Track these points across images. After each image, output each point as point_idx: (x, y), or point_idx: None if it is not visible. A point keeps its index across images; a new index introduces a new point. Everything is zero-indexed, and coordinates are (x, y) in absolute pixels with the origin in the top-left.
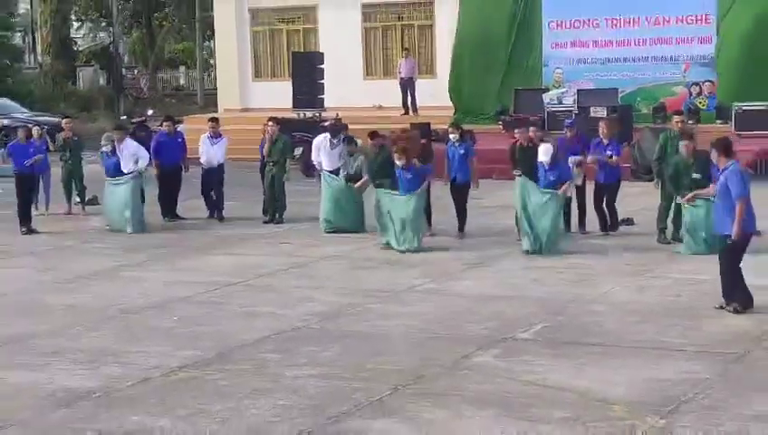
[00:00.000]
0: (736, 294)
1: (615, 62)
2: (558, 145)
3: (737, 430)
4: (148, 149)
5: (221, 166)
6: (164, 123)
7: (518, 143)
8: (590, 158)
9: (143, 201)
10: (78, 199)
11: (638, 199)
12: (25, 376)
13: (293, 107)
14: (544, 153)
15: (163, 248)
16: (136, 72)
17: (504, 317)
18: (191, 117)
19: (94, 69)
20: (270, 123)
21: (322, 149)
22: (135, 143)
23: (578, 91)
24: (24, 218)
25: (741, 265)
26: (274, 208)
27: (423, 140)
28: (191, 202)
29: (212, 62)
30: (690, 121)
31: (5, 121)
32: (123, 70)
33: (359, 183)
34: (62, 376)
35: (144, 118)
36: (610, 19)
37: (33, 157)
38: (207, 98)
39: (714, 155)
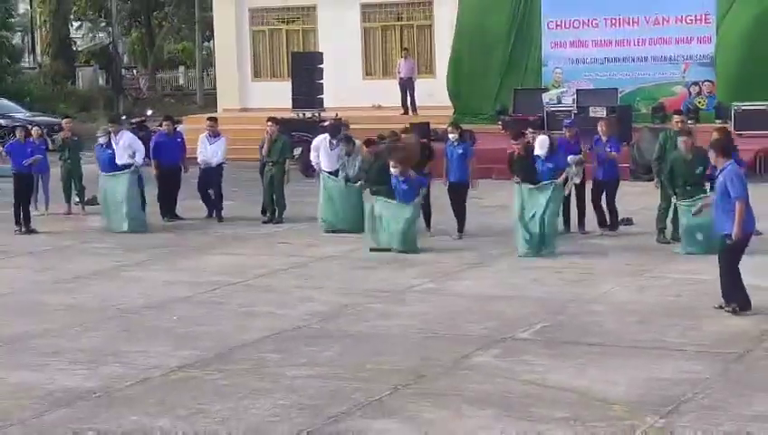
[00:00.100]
0: (736, 295)
1: (614, 61)
2: (558, 144)
3: (737, 429)
4: (147, 150)
5: (220, 166)
6: (163, 123)
7: (517, 153)
8: (583, 151)
9: (144, 202)
10: (77, 199)
11: (638, 199)
12: (25, 376)
13: (293, 107)
14: (540, 146)
15: (163, 248)
16: (135, 72)
17: (504, 317)
18: (190, 117)
19: (93, 69)
20: (269, 123)
21: (322, 150)
22: (131, 135)
23: (577, 90)
24: (24, 218)
25: (740, 265)
26: (273, 208)
27: (423, 139)
28: (190, 202)
29: (211, 61)
30: (690, 121)
31: (2, 122)
32: (122, 70)
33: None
34: (61, 376)
35: (143, 118)
36: (610, 19)
37: (32, 157)
38: (207, 98)
39: (711, 155)
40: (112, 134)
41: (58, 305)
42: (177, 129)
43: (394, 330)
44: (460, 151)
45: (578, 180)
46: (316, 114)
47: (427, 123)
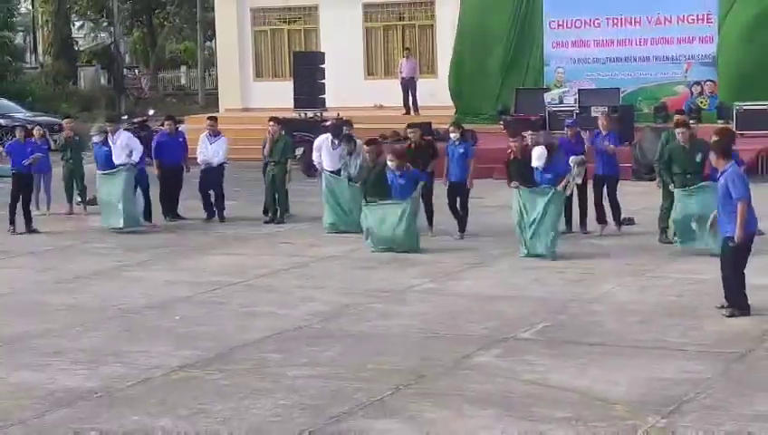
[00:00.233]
0: (738, 299)
1: (616, 61)
2: (560, 144)
3: (739, 429)
4: (149, 149)
5: (221, 165)
6: (165, 123)
7: (513, 156)
8: (586, 145)
9: (149, 202)
10: (79, 199)
11: (640, 199)
12: (26, 376)
13: (294, 107)
14: (537, 158)
15: (164, 248)
16: (137, 71)
17: (505, 317)
18: (192, 117)
19: (95, 69)
20: (271, 123)
21: (324, 150)
22: (128, 134)
23: (579, 90)
24: (25, 218)
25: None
26: (275, 208)
27: (428, 137)
28: (192, 202)
29: (213, 61)
30: (692, 121)
31: (2, 121)
32: (124, 70)
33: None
34: (62, 376)
35: (145, 118)
36: (612, 18)
37: (31, 156)
38: (208, 98)
39: (712, 157)
40: (110, 134)
41: (59, 305)
42: (179, 128)
43: (395, 330)
44: (461, 151)
45: (579, 181)
46: (318, 114)
47: (429, 123)
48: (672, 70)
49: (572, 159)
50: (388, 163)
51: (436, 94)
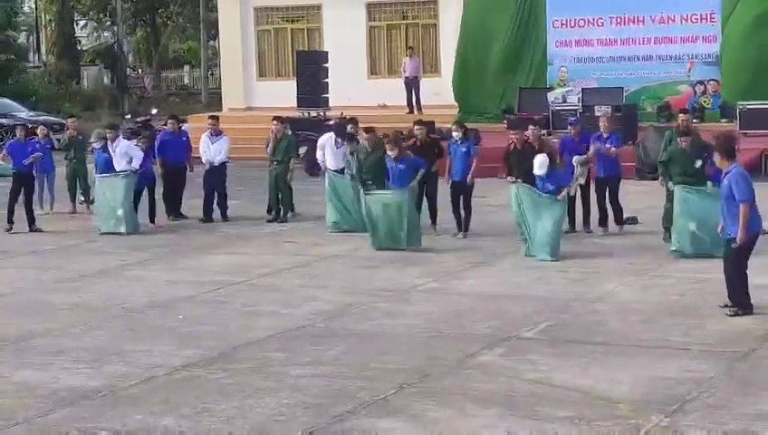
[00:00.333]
0: (741, 299)
1: (619, 60)
2: (563, 143)
3: (742, 428)
4: (153, 148)
5: (223, 165)
6: (168, 122)
7: (513, 146)
8: (591, 149)
9: (154, 203)
10: (82, 199)
11: (643, 198)
12: (29, 375)
13: (298, 106)
14: (539, 167)
15: (167, 247)
16: (140, 71)
17: (508, 316)
18: (195, 116)
19: (98, 68)
20: (274, 122)
21: (327, 149)
22: (126, 142)
23: (582, 89)
24: (28, 218)
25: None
26: (279, 208)
27: (434, 136)
28: (195, 201)
29: (216, 61)
30: (695, 120)
31: (4, 121)
32: (127, 69)
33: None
34: (65, 375)
35: (148, 117)
36: (615, 18)
37: (31, 156)
38: (212, 97)
39: (716, 158)
40: (109, 141)
41: (62, 304)
42: (183, 128)
43: (398, 329)
44: (464, 150)
45: (583, 180)
46: (321, 113)
47: (432, 122)
48: (675, 69)
49: (576, 159)
50: (389, 153)
51: (439, 93)
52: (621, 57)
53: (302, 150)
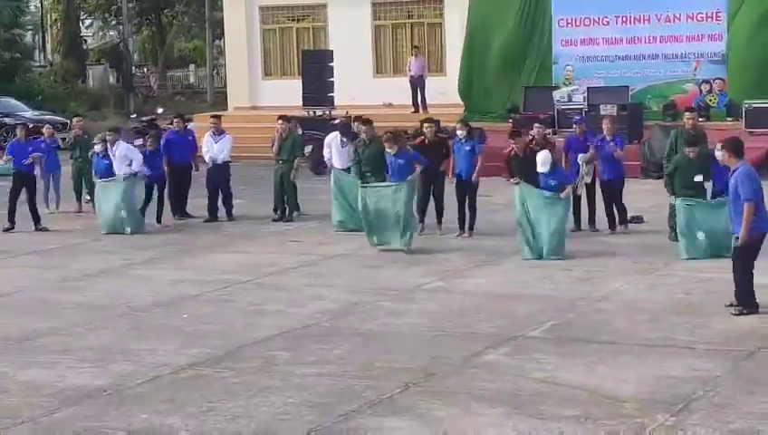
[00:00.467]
0: (747, 299)
1: (625, 59)
2: (568, 142)
3: (747, 427)
4: (158, 148)
5: (227, 164)
6: (174, 121)
7: (513, 152)
8: (591, 149)
9: (162, 204)
10: (88, 198)
11: (648, 197)
12: (35, 374)
13: (303, 105)
14: (542, 163)
15: (172, 246)
16: (146, 70)
17: (514, 315)
18: (201, 115)
19: (104, 67)
20: (280, 121)
21: (333, 148)
22: (126, 145)
23: (588, 88)
24: (33, 217)
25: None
26: (284, 207)
27: (442, 135)
28: (201, 200)
29: (222, 60)
30: (700, 119)
31: (8, 120)
32: (133, 68)
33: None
34: (71, 374)
35: (154, 116)
36: (620, 16)
37: (31, 155)
38: (217, 96)
39: (725, 155)
40: (109, 144)
41: (67, 303)
42: (188, 127)
43: (404, 328)
44: (468, 148)
45: (589, 179)
46: (326, 112)
47: (437, 121)
48: (681, 68)
49: (581, 157)
50: (387, 150)
51: (445, 92)
52: (627, 56)
53: (308, 149)
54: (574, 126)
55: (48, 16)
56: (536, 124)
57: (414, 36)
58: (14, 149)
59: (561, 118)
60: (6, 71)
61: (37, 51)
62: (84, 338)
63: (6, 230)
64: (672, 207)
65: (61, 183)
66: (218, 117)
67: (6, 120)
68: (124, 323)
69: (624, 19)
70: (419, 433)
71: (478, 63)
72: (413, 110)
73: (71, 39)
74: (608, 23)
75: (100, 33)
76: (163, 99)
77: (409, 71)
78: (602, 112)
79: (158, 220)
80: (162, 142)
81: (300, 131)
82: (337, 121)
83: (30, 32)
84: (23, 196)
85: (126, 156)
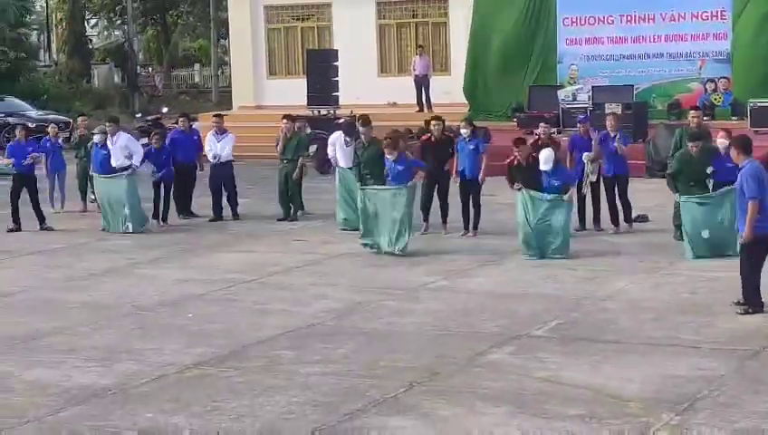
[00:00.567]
0: (753, 298)
1: (630, 58)
2: (572, 141)
3: (752, 426)
4: (164, 145)
5: (230, 163)
6: (179, 120)
7: (516, 162)
8: (594, 146)
9: (168, 204)
10: (93, 197)
11: (653, 196)
12: (40, 373)
13: (308, 104)
14: (545, 161)
15: (177, 245)
16: (151, 69)
17: (518, 314)
18: (205, 114)
19: (109, 67)
20: (284, 121)
21: (338, 147)
22: (127, 136)
23: (593, 87)
24: (38, 217)
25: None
26: (289, 206)
27: (449, 133)
28: (206, 200)
29: (227, 59)
30: (705, 118)
31: (12, 120)
32: (138, 67)
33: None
34: (76, 373)
35: (159, 115)
36: (625, 15)
37: (30, 155)
38: (222, 95)
39: (733, 153)
40: (109, 135)
41: (73, 303)
42: (193, 126)
43: (408, 327)
44: (471, 147)
45: (594, 177)
46: (331, 111)
47: (444, 120)
48: (686, 67)
49: (586, 156)
50: (387, 156)
51: (449, 92)
52: (632, 55)
53: (312, 149)
54: (579, 125)
55: (53, 16)
56: (542, 123)
57: (418, 35)
58: (13, 150)
59: (566, 117)
60: (11, 70)
61: (42, 50)
62: (89, 337)
63: (11, 231)
64: (677, 207)
65: (66, 182)
66: (221, 116)
67: (10, 119)
68: (129, 323)
69: (629, 18)
70: (424, 432)
71: (483, 63)
72: (418, 109)
73: (76, 39)
74: (612, 22)
75: (106, 33)
76: (168, 98)
77: (414, 70)
78: (607, 111)
79: (164, 219)
80: (167, 142)
81: (308, 131)
82: (341, 121)
83: (35, 31)
84: (25, 196)
85: (126, 147)
